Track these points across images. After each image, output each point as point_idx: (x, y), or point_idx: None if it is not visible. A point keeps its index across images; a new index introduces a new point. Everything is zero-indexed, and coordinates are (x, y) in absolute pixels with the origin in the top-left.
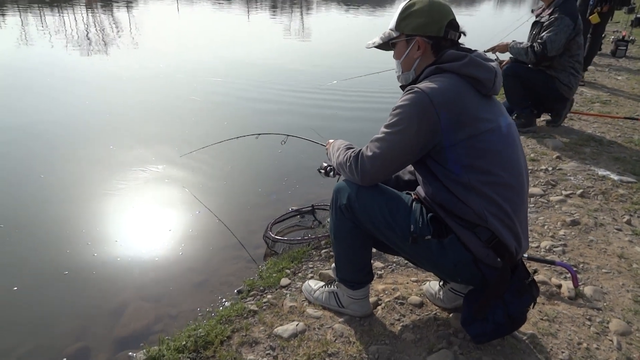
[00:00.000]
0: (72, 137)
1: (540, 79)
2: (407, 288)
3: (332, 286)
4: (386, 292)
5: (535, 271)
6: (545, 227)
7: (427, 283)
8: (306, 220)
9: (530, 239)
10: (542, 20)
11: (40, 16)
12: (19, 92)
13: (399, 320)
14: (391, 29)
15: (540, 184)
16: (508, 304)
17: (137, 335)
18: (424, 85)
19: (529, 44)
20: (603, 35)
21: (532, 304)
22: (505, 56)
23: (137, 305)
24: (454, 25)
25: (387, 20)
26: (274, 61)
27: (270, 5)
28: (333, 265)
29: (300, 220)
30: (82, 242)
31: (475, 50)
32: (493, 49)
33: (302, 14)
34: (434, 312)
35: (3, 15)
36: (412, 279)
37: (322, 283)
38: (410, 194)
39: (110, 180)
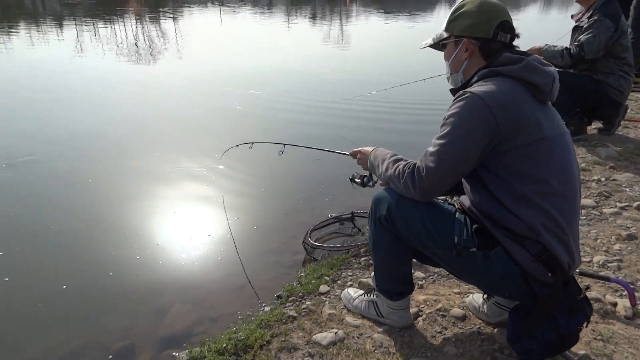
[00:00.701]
0: (117, 144)
1: (587, 84)
2: (449, 300)
3: (372, 295)
4: (427, 303)
5: (587, 287)
6: (598, 240)
7: (471, 295)
8: (345, 228)
9: (581, 253)
10: (582, 24)
11: (94, 28)
12: (75, 100)
13: (440, 332)
14: (443, 30)
15: (592, 195)
16: (559, 322)
17: (179, 336)
18: (477, 88)
19: (565, 47)
20: None
21: (586, 322)
22: None
23: (179, 307)
24: (505, 27)
25: (428, 26)
26: (311, 70)
27: (310, 14)
28: (372, 274)
29: (340, 227)
30: (126, 244)
31: (532, 55)
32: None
33: (341, 22)
34: (477, 326)
35: (61, 27)
36: (455, 290)
37: (361, 291)
38: (452, 204)
39: (153, 186)
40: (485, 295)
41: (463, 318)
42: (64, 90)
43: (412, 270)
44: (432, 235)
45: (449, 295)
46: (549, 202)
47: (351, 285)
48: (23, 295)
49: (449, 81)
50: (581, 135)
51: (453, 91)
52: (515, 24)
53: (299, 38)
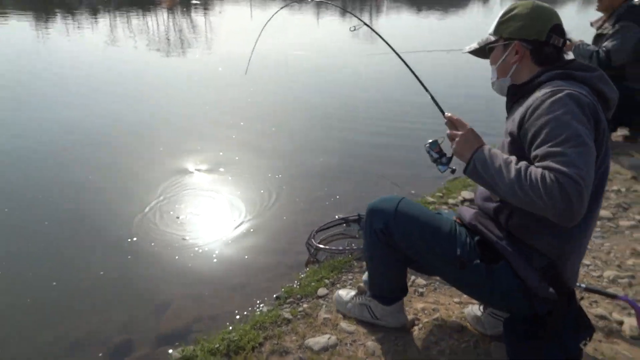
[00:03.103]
0: (120, 141)
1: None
2: (448, 309)
3: (364, 299)
4: (425, 311)
5: (594, 303)
6: (612, 254)
7: (470, 306)
8: (351, 229)
9: (592, 267)
10: (605, 32)
11: (127, 19)
12: (104, 91)
13: (435, 343)
14: (490, 34)
15: (610, 206)
16: (564, 338)
17: (177, 333)
18: (559, 88)
19: (596, 49)
20: None
21: (589, 337)
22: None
23: (180, 303)
24: (559, 31)
25: (456, 23)
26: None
27: (339, 12)
28: (365, 277)
29: (346, 228)
30: (128, 240)
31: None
32: None
33: (371, 18)
34: (474, 339)
35: (96, 19)
36: (455, 299)
37: (353, 293)
38: (448, 217)
39: (154, 182)
40: (481, 307)
41: (460, 329)
42: (97, 78)
43: (414, 278)
44: (433, 249)
45: (449, 304)
46: (585, 222)
47: (350, 290)
48: (21, 289)
49: (493, 87)
50: None
51: (510, 97)
52: None
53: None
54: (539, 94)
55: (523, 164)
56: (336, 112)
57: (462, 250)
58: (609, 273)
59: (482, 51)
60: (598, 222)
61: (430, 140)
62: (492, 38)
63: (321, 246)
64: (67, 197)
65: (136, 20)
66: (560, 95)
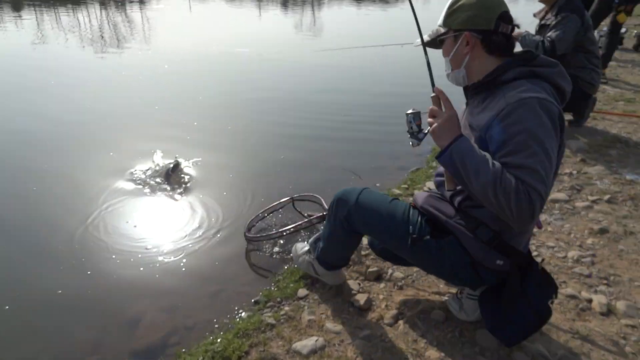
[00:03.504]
0: (70, 141)
1: None
2: (429, 301)
3: (311, 257)
4: (407, 304)
5: (562, 283)
6: (572, 235)
7: (450, 296)
8: (286, 213)
9: (556, 248)
10: (548, 22)
11: (55, 15)
12: (35, 91)
13: (422, 336)
14: (439, 25)
15: (565, 189)
16: (531, 299)
17: (153, 348)
18: (531, 94)
19: (541, 39)
20: (624, 30)
21: (554, 294)
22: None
23: (152, 316)
24: (506, 18)
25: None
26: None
27: (281, 5)
28: (312, 240)
29: (281, 213)
30: (83, 253)
31: (539, 55)
32: None
33: (313, 11)
34: (458, 329)
35: (20, 16)
36: (434, 290)
37: (306, 248)
38: (404, 203)
39: (109, 187)
40: (458, 292)
41: (444, 320)
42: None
43: (391, 271)
44: (391, 231)
45: (429, 296)
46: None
47: (330, 288)
48: None
49: (448, 78)
50: None
51: (466, 89)
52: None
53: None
54: (509, 96)
55: (498, 167)
56: (291, 109)
57: (414, 229)
58: (573, 253)
59: (433, 42)
60: (557, 205)
61: (412, 110)
62: (442, 30)
63: (257, 235)
64: (9, 208)
65: (66, 17)
66: (531, 104)
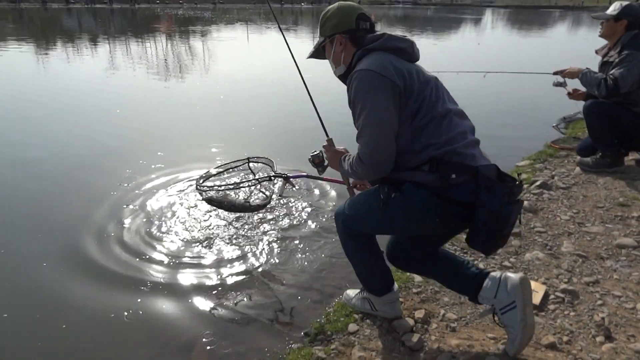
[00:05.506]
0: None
1: (626, 116)
2: (483, 345)
3: (365, 294)
4: (461, 348)
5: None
6: None
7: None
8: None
9: (623, 298)
10: (611, 59)
11: (126, 45)
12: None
13: None
14: (319, 37)
15: (633, 233)
16: (485, 202)
17: None
18: (361, 65)
19: (604, 76)
20: None
21: (508, 194)
22: (572, 83)
23: (204, 343)
24: (363, 17)
25: None
26: None
27: None
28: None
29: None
30: (135, 278)
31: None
32: (562, 72)
33: None
34: None
35: (95, 45)
36: (489, 335)
37: (358, 290)
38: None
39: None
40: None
41: None
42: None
43: (444, 312)
44: (374, 212)
45: (483, 340)
46: (434, 124)
47: (380, 325)
48: (29, 333)
49: (335, 74)
50: (618, 166)
51: (342, 77)
52: (544, 41)
53: None
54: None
55: (351, 158)
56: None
57: (382, 195)
58: None
59: (318, 52)
60: (623, 251)
61: (312, 153)
62: (321, 39)
63: (209, 185)
64: (57, 230)
65: (135, 46)
66: (355, 76)
